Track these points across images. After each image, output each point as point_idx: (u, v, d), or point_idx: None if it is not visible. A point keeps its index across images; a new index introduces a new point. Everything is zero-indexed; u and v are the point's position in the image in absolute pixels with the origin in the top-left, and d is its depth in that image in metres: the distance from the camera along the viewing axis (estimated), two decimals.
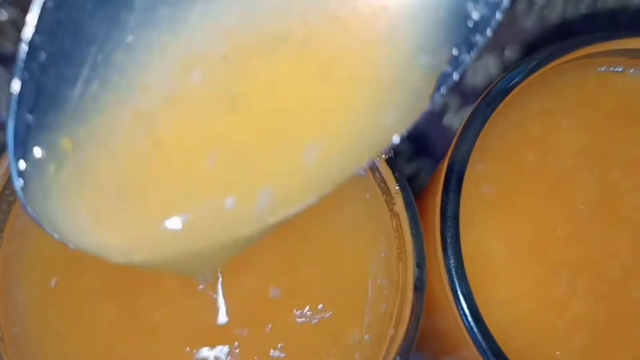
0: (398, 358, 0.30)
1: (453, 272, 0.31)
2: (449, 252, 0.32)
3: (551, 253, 0.34)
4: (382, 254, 0.34)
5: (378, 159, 0.33)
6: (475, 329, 0.31)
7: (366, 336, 0.33)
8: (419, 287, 0.31)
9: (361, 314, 0.33)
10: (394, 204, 0.32)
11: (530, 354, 0.34)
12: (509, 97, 0.35)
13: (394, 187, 0.32)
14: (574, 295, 0.34)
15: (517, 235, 0.34)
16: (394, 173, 0.32)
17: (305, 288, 0.32)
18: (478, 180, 0.35)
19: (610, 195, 0.35)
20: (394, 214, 0.32)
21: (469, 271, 0.33)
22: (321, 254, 0.33)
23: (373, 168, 0.32)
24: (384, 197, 0.33)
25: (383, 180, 0.32)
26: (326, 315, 0.33)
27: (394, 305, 0.32)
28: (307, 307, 0.32)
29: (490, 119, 0.34)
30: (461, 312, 0.32)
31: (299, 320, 0.32)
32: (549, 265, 0.34)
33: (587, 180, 0.35)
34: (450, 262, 0.32)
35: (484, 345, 0.31)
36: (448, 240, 0.32)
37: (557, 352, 0.33)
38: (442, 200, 0.33)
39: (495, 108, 0.33)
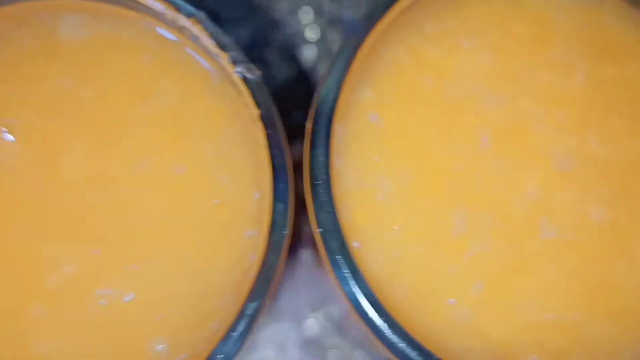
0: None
1: (321, 210, 0.27)
2: (318, 188, 0.28)
3: (446, 190, 0.30)
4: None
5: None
6: (344, 275, 0.27)
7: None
8: (278, 223, 0.27)
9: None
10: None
11: (419, 303, 0.29)
12: (401, 18, 0.30)
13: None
14: (472, 237, 0.30)
15: (407, 170, 0.30)
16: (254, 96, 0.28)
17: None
18: (365, 107, 0.31)
19: (518, 125, 0.31)
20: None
21: (351, 210, 0.29)
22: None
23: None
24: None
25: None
26: None
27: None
28: None
29: (382, 42, 0.30)
30: (329, 255, 0.27)
31: None
32: (444, 203, 0.30)
33: (490, 109, 0.31)
34: (320, 199, 0.28)
35: (357, 297, 0.27)
36: (316, 174, 0.28)
37: (451, 300, 0.29)
38: (312, 129, 0.29)
39: (372, 26, 0.29)
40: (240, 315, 0.26)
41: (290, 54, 0.42)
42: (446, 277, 0.30)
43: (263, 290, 0.26)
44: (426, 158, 0.31)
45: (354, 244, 0.30)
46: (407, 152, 0.31)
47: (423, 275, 0.30)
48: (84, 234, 0.29)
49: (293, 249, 0.36)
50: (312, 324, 0.38)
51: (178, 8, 0.29)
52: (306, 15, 0.41)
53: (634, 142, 0.31)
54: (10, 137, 0.29)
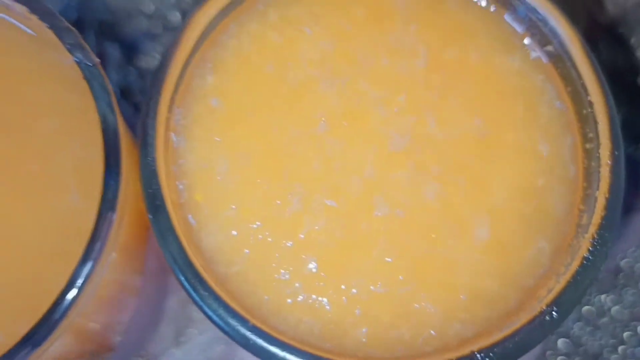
0: None
1: (150, 200, 0.29)
2: (147, 166, 0.29)
3: (284, 170, 0.32)
4: None
5: None
6: (166, 249, 0.28)
7: None
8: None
9: None
10: None
11: (254, 277, 0.30)
12: (242, 6, 0.32)
13: None
14: (307, 215, 0.31)
15: (246, 151, 0.31)
16: None
17: None
18: (206, 92, 0.32)
19: (355, 107, 0.32)
20: None
21: (190, 188, 0.30)
22: None
23: None
24: None
25: None
26: None
27: None
28: None
29: (223, 29, 0.32)
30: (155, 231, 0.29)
31: None
32: (280, 182, 0.31)
33: (329, 92, 0.32)
34: (149, 189, 0.29)
35: (180, 271, 0.28)
36: (146, 151, 0.29)
37: (285, 275, 0.30)
38: (144, 112, 0.30)
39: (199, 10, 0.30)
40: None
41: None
42: (281, 254, 0.31)
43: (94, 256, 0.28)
44: (265, 140, 0.32)
45: (191, 221, 0.31)
46: (246, 135, 0.32)
47: (259, 252, 0.31)
48: None
49: None
50: None
51: None
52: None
53: (469, 121, 0.33)
54: None
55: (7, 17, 0.32)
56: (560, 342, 0.39)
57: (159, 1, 0.44)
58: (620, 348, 0.39)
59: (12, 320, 0.30)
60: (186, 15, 0.31)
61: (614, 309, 0.39)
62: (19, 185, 0.31)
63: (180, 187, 0.31)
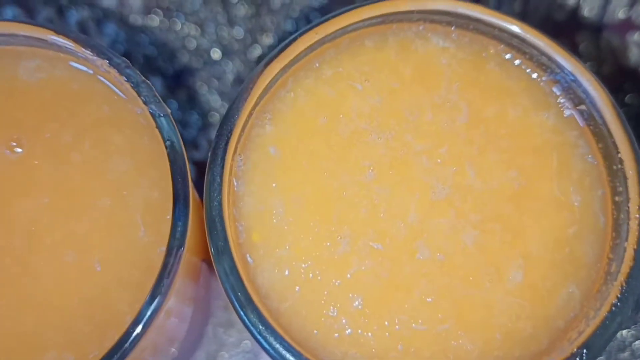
0: None
1: (214, 240, 0.32)
2: (212, 208, 0.32)
3: (334, 214, 0.34)
4: None
5: None
6: (229, 286, 0.31)
7: None
8: (176, 242, 0.32)
9: None
10: None
11: (304, 313, 0.33)
12: (299, 63, 0.35)
13: None
14: (355, 257, 0.34)
15: (300, 196, 0.35)
16: None
17: None
18: (265, 141, 0.35)
19: (401, 157, 0.35)
20: None
21: (248, 230, 0.33)
22: None
23: None
24: None
25: None
26: None
27: None
28: None
29: (282, 84, 0.35)
30: (215, 264, 0.32)
31: None
32: (330, 225, 0.34)
33: (377, 143, 0.35)
34: (214, 230, 0.32)
35: (239, 306, 0.31)
36: (210, 195, 0.33)
37: (333, 312, 0.33)
38: (210, 159, 0.33)
39: (264, 69, 0.34)
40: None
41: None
42: (330, 291, 0.34)
43: (161, 293, 0.31)
44: (317, 186, 0.35)
45: (249, 259, 0.34)
46: (300, 181, 0.35)
47: (309, 289, 0.34)
48: None
49: None
50: None
51: (102, 54, 0.34)
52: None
53: (506, 174, 0.35)
54: None
55: (89, 70, 0.35)
56: None
57: (200, 37, 0.48)
58: None
59: (83, 343, 0.33)
60: (252, 70, 0.34)
61: (635, 344, 0.41)
62: (94, 218, 0.34)
63: (240, 228, 0.34)
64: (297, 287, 0.33)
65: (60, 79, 0.36)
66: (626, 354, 0.42)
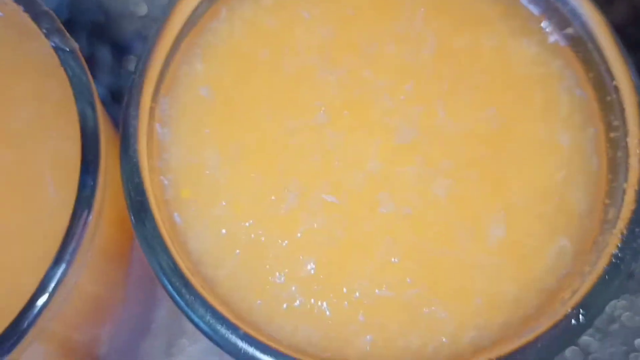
0: None
1: (131, 196, 0.26)
2: (127, 161, 0.27)
3: (279, 164, 0.29)
4: None
5: None
6: (150, 252, 0.26)
7: None
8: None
9: None
10: None
11: (246, 281, 0.28)
12: None
13: None
14: (305, 213, 0.28)
15: (239, 144, 0.29)
16: None
17: None
18: (196, 81, 0.29)
19: (357, 97, 0.30)
20: None
21: (176, 184, 0.27)
22: None
23: None
24: None
25: None
26: None
27: None
28: None
29: (213, 14, 0.29)
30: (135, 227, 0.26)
31: None
32: (276, 177, 0.28)
33: (329, 80, 0.30)
34: (130, 184, 0.26)
35: (162, 273, 0.25)
36: (127, 144, 0.27)
37: (280, 278, 0.27)
38: (126, 101, 0.27)
39: None
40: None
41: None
42: (276, 254, 0.28)
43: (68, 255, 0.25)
44: (259, 132, 0.29)
45: (177, 219, 0.28)
46: (239, 126, 0.29)
47: (251, 252, 0.28)
48: None
49: None
50: None
51: None
52: None
53: (482, 112, 0.30)
54: None
55: None
56: (569, 351, 0.36)
57: (152, 2, 0.42)
58: (631, 355, 0.37)
59: None
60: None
61: (625, 315, 0.36)
62: None
63: (165, 182, 0.28)
64: (237, 251, 0.28)
65: None
66: (616, 325, 0.37)
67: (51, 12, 0.28)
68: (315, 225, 0.28)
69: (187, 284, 0.25)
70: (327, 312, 0.27)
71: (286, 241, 0.28)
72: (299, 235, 0.28)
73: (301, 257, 0.28)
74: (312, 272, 0.28)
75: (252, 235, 0.28)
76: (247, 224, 0.28)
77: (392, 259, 0.28)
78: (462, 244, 0.28)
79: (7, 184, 0.29)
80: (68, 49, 0.28)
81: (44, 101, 0.29)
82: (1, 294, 0.27)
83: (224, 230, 0.28)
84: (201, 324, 0.25)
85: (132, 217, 0.26)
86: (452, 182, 0.29)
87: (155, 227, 0.26)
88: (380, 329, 0.28)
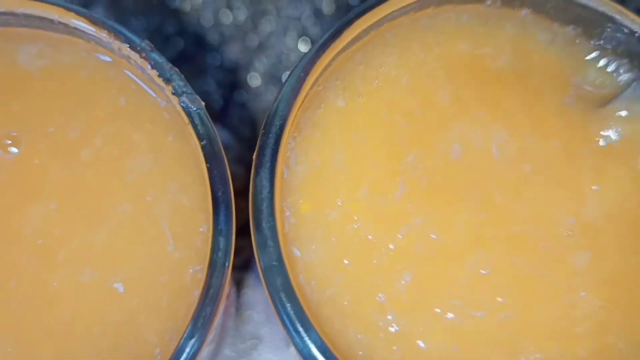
0: None
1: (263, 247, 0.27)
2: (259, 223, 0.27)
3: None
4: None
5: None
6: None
7: None
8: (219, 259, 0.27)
9: None
10: None
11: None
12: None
13: None
14: None
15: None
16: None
17: None
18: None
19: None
20: None
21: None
22: None
23: None
24: None
25: None
26: None
27: None
28: None
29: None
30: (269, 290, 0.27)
31: None
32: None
33: None
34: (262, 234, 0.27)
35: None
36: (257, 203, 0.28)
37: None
38: (256, 161, 0.28)
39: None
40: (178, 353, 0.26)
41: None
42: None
43: (202, 327, 0.26)
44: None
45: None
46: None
47: None
48: None
49: None
50: None
51: (120, 37, 0.28)
52: None
53: None
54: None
55: (102, 55, 0.30)
56: None
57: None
58: None
59: None
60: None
61: None
62: (113, 228, 0.29)
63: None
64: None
65: (67, 66, 0.30)
66: None
67: (177, 69, 0.29)
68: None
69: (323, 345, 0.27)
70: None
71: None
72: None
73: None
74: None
75: None
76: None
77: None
78: None
79: (127, 236, 0.29)
80: (196, 109, 0.28)
81: (161, 153, 0.30)
82: (124, 357, 0.28)
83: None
84: None
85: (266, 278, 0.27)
86: None
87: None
88: None
